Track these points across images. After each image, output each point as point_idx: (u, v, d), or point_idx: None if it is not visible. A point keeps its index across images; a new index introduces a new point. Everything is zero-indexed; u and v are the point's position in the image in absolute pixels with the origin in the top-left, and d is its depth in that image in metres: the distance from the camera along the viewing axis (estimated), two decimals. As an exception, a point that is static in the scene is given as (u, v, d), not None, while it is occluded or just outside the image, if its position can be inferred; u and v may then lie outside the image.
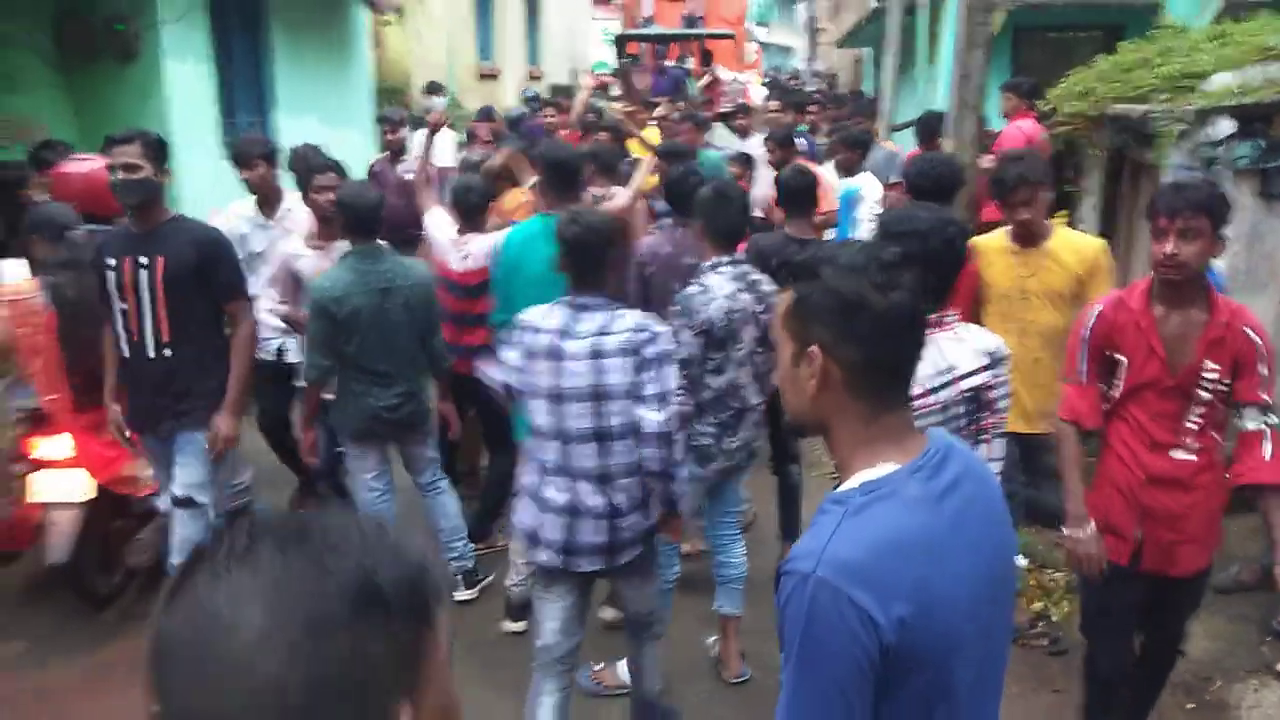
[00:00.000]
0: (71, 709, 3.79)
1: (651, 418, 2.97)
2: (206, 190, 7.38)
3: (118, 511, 4.41)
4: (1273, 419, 2.81)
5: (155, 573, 4.41)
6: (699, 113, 9.40)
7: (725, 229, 3.71)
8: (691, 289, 3.63)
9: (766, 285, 3.73)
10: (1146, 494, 2.94)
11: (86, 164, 4.87)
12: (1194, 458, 2.89)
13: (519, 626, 4.22)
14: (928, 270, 2.39)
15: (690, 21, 17.02)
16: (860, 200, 6.48)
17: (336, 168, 4.85)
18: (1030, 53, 10.38)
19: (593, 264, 3.12)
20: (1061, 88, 6.37)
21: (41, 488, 4.09)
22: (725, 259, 3.69)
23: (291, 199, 5.06)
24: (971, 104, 5.72)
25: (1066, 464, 3.06)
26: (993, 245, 4.00)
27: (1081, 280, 3.79)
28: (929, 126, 7.42)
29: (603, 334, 3.01)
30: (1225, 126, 4.55)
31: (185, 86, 7.49)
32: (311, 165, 4.85)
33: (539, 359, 3.05)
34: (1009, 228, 3.96)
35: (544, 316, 3.11)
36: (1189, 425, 2.87)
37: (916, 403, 2.46)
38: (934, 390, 2.52)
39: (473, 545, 4.69)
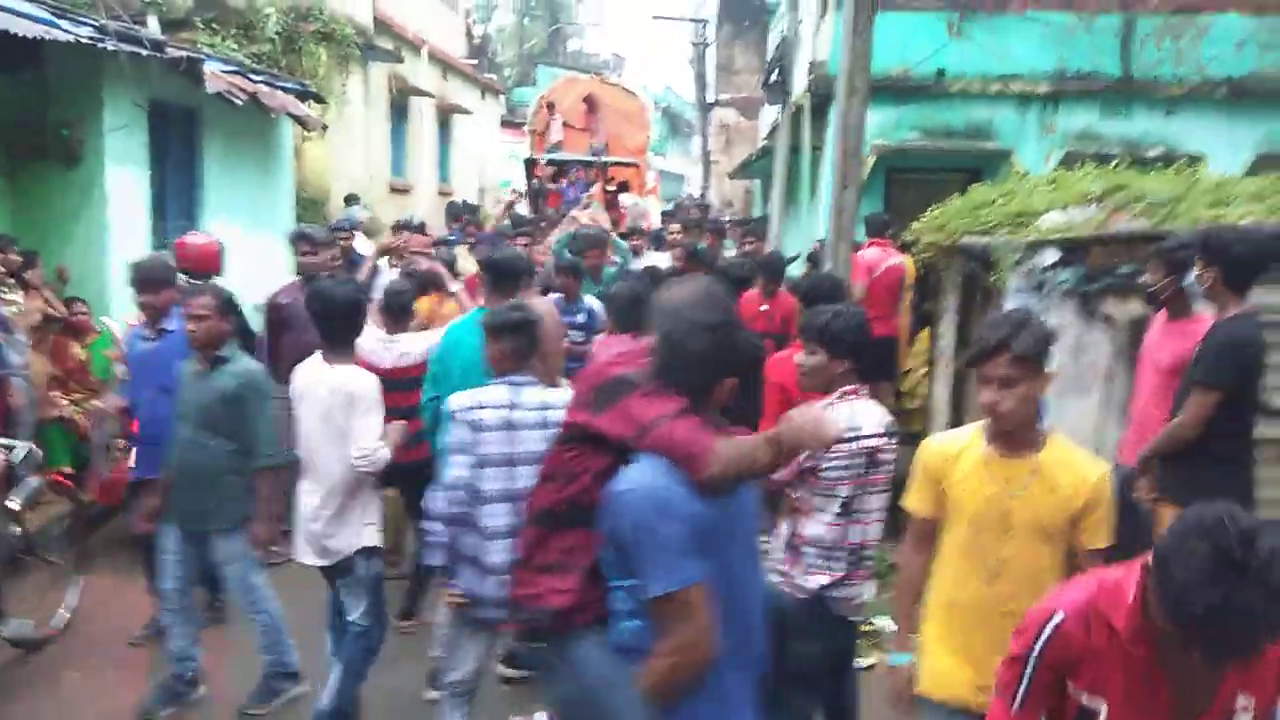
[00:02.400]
0: None
1: None
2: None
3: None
4: None
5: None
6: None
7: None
8: None
9: None
10: None
11: (199, 239, 6.68)
12: None
13: (437, 695, 4.45)
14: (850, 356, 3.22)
15: (596, 150, 18.13)
16: None
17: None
18: (900, 191, 11.59)
19: (530, 346, 3.75)
20: (923, 222, 7.36)
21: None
22: None
23: None
24: (845, 235, 6.60)
25: None
26: (962, 445, 2.87)
27: (1074, 519, 2.68)
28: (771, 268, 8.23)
29: (545, 407, 3.64)
30: (1051, 255, 5.48)
31: (123, 190, 7.92)
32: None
33: (492, 431, 3.59)
34: (986, 423, 2.83)
35: (488, 395, 3.68)
36: None
37: (832, 448, 3.13)
38: (845, 440, 3.19)
39: (406, 623, 5.22)
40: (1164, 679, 1.90)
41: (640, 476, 2.28)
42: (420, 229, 9.57)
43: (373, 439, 3.96)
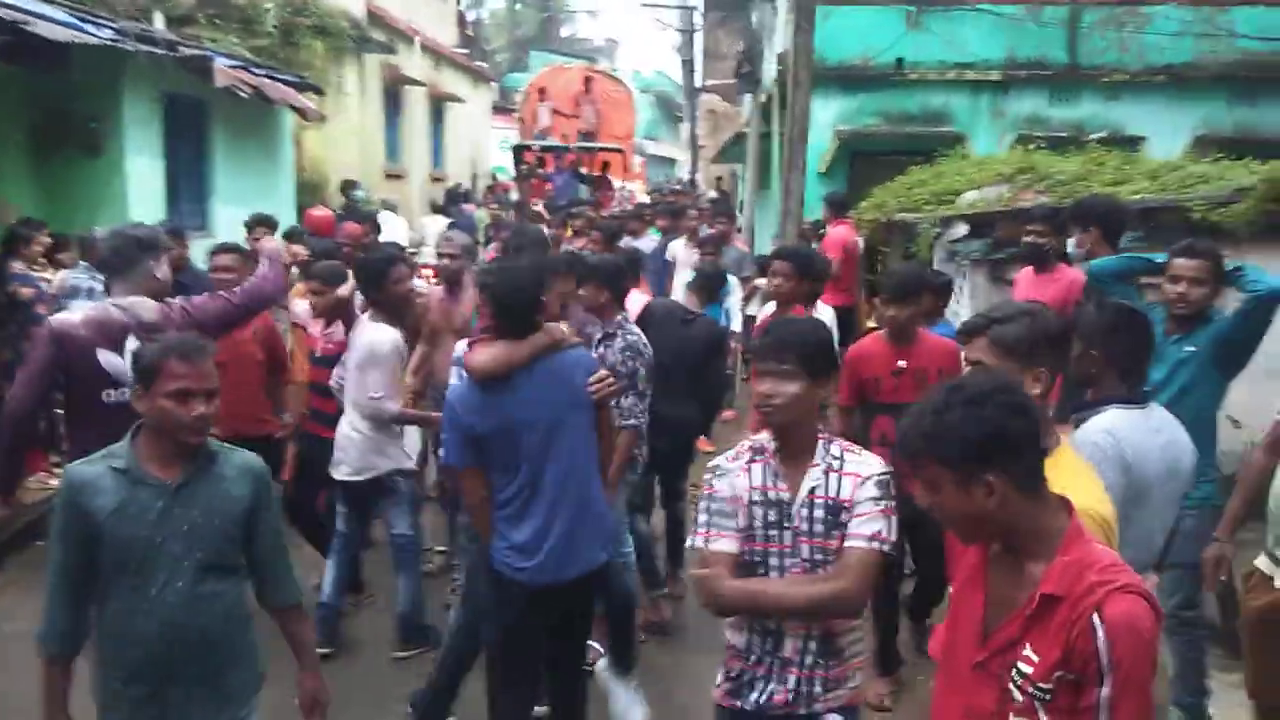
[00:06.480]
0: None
1: None
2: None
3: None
4: None
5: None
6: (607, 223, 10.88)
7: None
8: None
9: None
10: None
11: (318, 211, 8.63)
12: None
13: None
14: None
15: (584, 136, 18.92)
16: (729, 293, 7.84)
17: None
18: (864, 173, 12.32)
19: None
20: (867, 201, 8.15)
21: None
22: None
23: None
24: (794, 213, 7.38)
25: None
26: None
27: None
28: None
29: None
30: (961, 229, 6.27)
31: (141, 177, 8.71)
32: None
33: None
34: None
35: None
36: None
37: None
38: None
39: None
40: (984, 582, 1.98)
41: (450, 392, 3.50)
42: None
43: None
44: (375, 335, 4.62)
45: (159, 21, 9.87)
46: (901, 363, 4.28)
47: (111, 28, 8.04)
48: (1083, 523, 1.95)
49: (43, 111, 8.33)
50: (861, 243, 8.94)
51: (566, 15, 46.17)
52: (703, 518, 2.56)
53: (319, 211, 8.03)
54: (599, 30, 79.71)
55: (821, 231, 9.55)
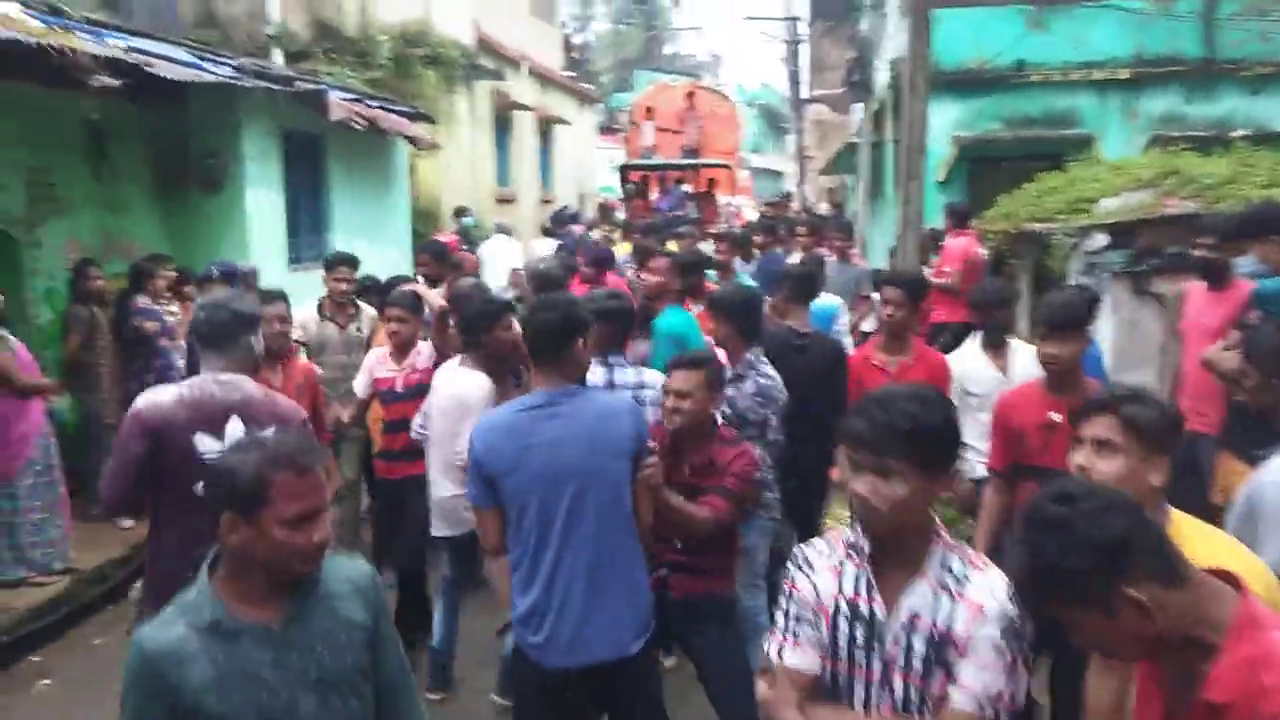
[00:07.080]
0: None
1: None
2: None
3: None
4: None
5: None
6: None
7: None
8: None
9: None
10: None
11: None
12: None
13: None
14: None
15: (689, 152, 18.79)
16: (838, 316, 7.21)
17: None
18: (985, 180, 11.81)
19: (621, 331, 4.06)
20: (992, 211, 7.73)
21: None
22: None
23: None
24: (914, 224, 7.05)
25: None
26: None
27: None
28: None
29: (640, 385, 4.11)
30: (1101, 240, 5.85)
31: (261, 211, 8.89)
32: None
33: None
34: None
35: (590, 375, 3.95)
36: None
37: None
38: None
39: None
40: (1160, 679, 1.76)
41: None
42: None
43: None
44: (466, 384, 4.25)
45: (278, 58, 10.14)
46: (1055, 416, 3.36)
47: (230, 65, 8.24)
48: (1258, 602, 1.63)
49: (164, 149, 8.57)
50: (986, 254, 8.50)
51: (670, 33, 46.22)
52: (780, 620, 2.08)
53: (443, 239, 8.10)
54: (703, 46, 79.91)
55: (940, 242, 9.16)
